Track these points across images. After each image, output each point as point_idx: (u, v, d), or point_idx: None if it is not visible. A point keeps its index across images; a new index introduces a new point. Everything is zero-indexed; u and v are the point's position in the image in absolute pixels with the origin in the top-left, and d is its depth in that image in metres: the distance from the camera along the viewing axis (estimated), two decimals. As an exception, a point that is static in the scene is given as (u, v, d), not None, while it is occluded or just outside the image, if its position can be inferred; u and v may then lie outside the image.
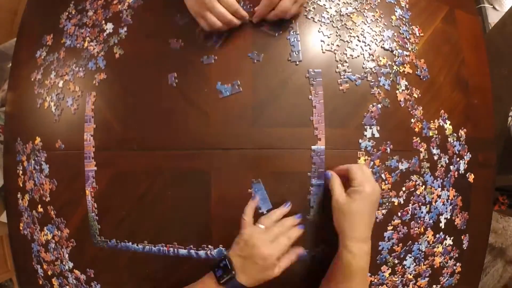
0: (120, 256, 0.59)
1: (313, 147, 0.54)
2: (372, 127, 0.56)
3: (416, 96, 0.59)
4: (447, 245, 0.61)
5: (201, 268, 0.50)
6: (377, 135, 0.56)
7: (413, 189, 0.58)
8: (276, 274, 0.48)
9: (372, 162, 0.56)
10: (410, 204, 0.58)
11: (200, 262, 0.56)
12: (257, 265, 0.47)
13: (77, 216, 0.61)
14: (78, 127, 0.61)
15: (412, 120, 0.58)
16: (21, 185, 0.67)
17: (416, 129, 0.58)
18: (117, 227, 0.59)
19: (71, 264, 0.62)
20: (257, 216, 0.53)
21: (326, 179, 0.53)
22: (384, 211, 0.56)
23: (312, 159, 0.54)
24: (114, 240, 0.59)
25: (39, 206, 0.64)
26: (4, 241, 1.24)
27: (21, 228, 0.67)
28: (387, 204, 0.57)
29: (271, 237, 0.49)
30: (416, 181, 0.58)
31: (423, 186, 0.58)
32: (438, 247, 0.61)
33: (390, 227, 0.57)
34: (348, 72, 0.56)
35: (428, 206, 0.59)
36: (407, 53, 0.60)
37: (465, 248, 0.64)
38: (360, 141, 0.56)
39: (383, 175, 0.56)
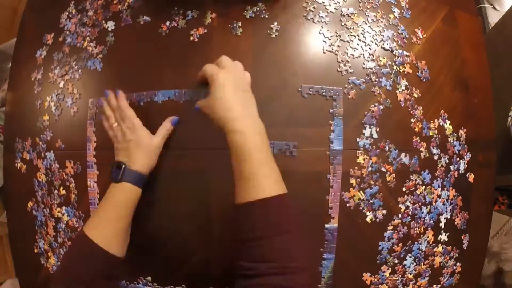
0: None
1: (326, 225, 0.55)
2: (372, 127, 0.56)
3: (416, 96, 0.59)
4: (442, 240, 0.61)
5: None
6: (375, 135, 0.56)
7: (413, 188, 0.58)
8: (157, 142, 0.54)
9: (370, 161, 0.56)
10: (410, 204, 0.58)
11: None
12: (131, 141, 0.52)
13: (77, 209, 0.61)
14: (78, 127, 0.61)
15: (412, 120, 0.58)
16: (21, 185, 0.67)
17: (416, 129, 0.58)
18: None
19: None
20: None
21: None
22: (384, 211, 0.56)
23: (325, 236, 0.55)
24: (124, 282, 0.59)
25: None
26: (4, 241, 1.24)
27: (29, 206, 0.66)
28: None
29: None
30: (416, 180, 0.58)
31: (423, 186, 0.58)
32: (438, 247, 0.61)
33: (390, 227, 0.57)
34: (350, 72, 0.57)
35: (428, 206, 0.59)
36: (407, 53, 0.60)
37: (465, 248, 0.64)
38: (358, 139, 0.56)
39: (383, 168, 0.56)
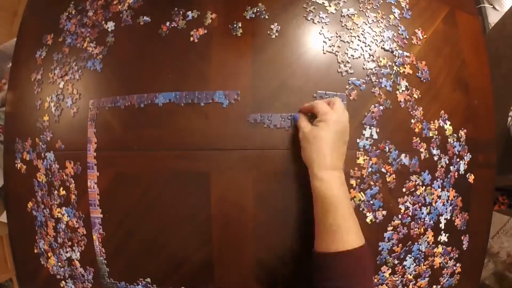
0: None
1: None
2: (372, 127, 0.56)
3: (416, 97, 0.59)
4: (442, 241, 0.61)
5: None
6: (375, 136, 0.56)
7: (413, 189, 0.58)
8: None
9: (370, 162, 0.56)
10: (410, 205, 0.58)
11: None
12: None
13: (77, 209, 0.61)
14: (78, 127, 0.61)
15: (412, 121, 0.58)
16: (21, 186, 0.67)
17: (416, 130, 0.58)
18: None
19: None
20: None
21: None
22: (384, 212, 0.56)
23: None
24: (124, 283, 0.59)
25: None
26: (4, 241, 1.24)
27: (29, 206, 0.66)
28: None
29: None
30: (416, 181, 0.58)
31: (423, 187, 0.58)
32: (438, 247, 0.61)
33: (390, 228, 0.57)
34: (350, 72, 0.57)
35: (428, 206, 0.59)
36: (407, 54, 0.60)
37: (465, 248, 0.64)
38: (358, 140, 0.56)
39: (383, 169, 0.56)
